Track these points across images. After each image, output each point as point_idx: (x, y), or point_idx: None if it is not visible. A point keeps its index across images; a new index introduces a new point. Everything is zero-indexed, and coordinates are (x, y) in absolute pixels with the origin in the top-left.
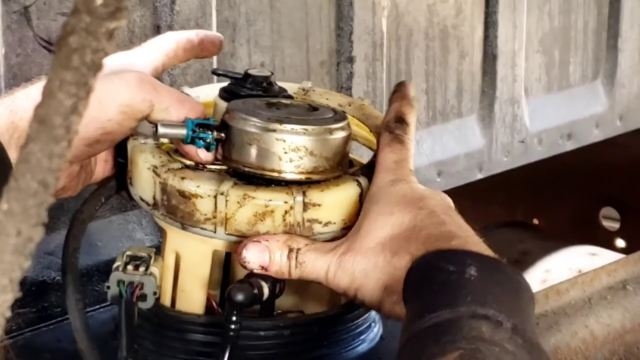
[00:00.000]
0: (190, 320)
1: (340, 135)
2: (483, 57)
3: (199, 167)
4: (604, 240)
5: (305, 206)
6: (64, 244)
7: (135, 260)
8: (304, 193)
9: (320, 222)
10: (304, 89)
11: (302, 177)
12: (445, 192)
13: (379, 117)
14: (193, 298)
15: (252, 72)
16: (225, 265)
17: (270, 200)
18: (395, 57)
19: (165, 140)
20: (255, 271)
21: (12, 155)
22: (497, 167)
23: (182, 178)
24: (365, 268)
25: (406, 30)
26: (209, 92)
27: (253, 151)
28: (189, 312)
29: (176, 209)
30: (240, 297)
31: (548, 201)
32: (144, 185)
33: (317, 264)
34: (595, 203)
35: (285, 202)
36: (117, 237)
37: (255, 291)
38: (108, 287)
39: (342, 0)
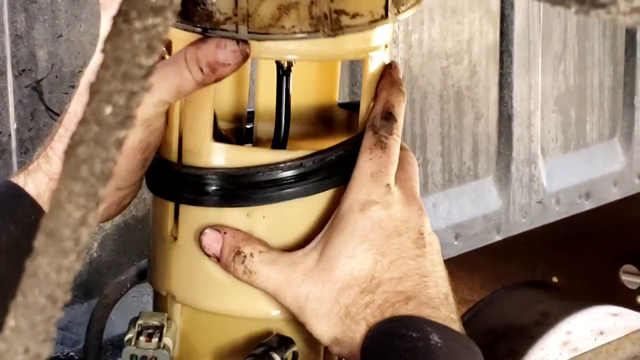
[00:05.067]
0: None
1: None
2: (498, 118)
3: None
4: (625, 297)
5: None
6: (88, 326)
7: (148, 329)
8: None
9: (348, 14)
10: None
11: None
12: (463, 254)
13: None
14: (201, 108)
15: None
16: None
17: None
18: (410, 120)
19: None
20: (211, 259)
21: None
22: (515, 228)
23: None
24: (316, 310)
25: (420, 93)
26: None
27: None
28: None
29: (193, 13)
30: None
31: (567, 259)
32: None
33: (270, 280)
34: (615, 260)
35: None
36: (132, 311)
37: None
38: None
39: (355, 65)
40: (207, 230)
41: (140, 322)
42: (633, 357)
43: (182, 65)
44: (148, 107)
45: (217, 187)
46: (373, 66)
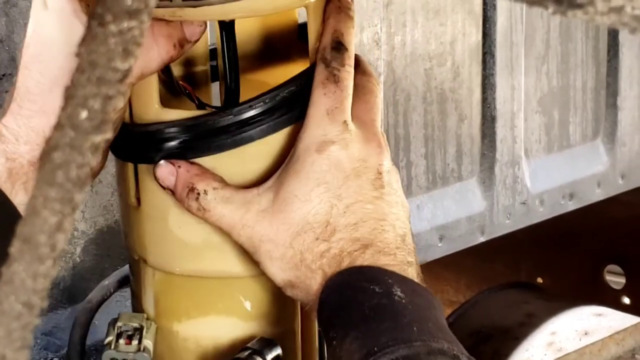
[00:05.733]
0: None
1: None
2: (482, 120)
3: None
4: (609, 297)
5: None
6: (71, 331)
7: (127, 331)
8: None
9: None
10: None
11: None
12: (448, 256)
13: None
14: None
15: None
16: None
17: None
18: (393, 123)
19: None
20: (166, 191)
21: (20, 199)
22: (499, 229)
23: None
24: (270, 252)
25: (404, 95)
26: None
27: None
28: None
29: None
30: None
31: (551, 260)
32: None
33: (223, 219)
34: (599, 261)
35: None
36: (116, 315)
37: None
38: None
39: None
40: (161, 162)
41: (119, 324)
42: (617, 358)
43: (149, 45)
44: None
45: (170, 142)
46: None
